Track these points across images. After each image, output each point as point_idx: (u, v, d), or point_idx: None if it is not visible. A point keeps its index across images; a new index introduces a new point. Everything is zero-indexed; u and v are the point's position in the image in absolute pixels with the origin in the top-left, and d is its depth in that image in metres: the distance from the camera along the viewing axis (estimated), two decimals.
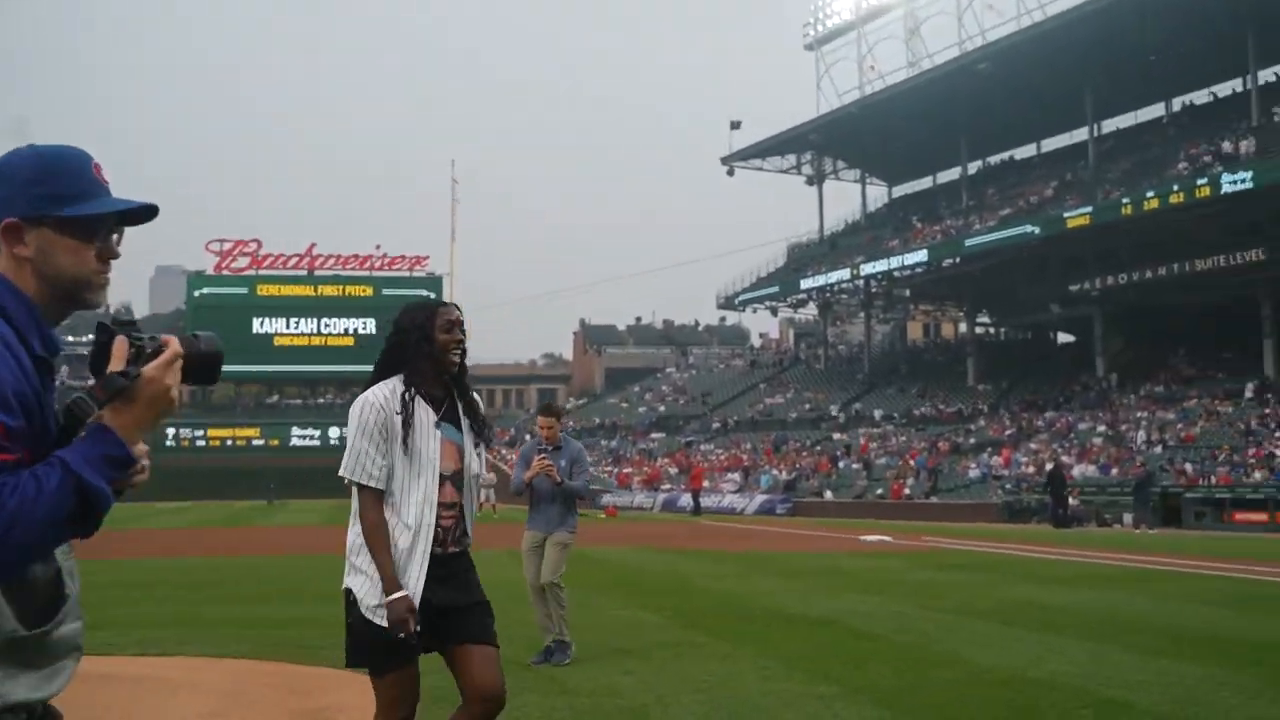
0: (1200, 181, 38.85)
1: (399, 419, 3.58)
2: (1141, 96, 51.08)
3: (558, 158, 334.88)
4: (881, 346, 67.26)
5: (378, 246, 72.80)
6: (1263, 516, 29.06)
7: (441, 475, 3.65)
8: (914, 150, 59.45)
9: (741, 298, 62.26)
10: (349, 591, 3.62)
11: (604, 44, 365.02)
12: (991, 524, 32.65)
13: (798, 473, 46.63)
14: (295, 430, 70.40)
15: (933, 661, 8.19)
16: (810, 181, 64.47)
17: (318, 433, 70.73)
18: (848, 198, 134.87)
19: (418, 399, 3.64)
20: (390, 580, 3.51)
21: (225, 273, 70.15)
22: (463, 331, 3.75)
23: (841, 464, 46.63)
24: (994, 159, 59.62)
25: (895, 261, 52.06)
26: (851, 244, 59.48)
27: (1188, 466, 33.83)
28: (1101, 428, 40.86)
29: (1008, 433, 44.15)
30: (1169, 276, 42.29)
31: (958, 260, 49.70)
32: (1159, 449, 36.56)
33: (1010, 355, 58.50)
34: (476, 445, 3.81)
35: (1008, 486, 37.29)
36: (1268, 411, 36.51)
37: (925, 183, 63.73)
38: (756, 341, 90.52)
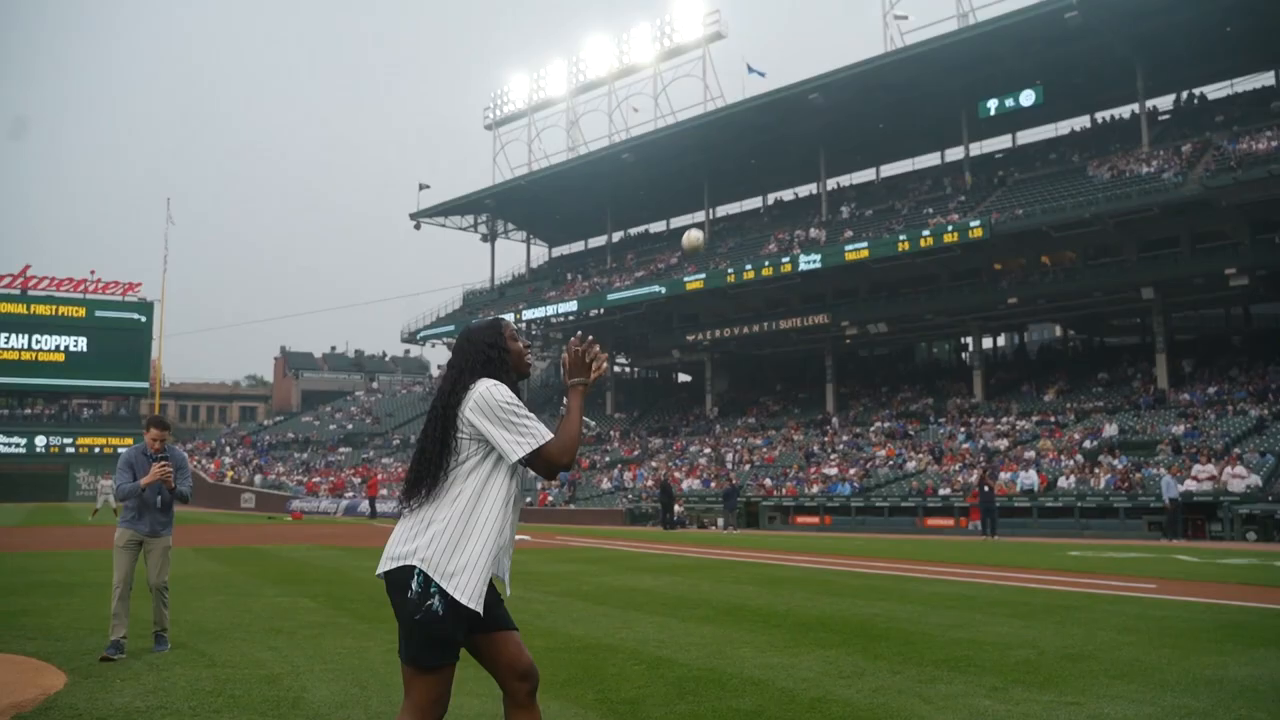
0: (784, 260, 42.00)
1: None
2: (745, 191, 54.78)
3: (270, 201, 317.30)
4: (540, 379, 68.21)
5: (92, 271, 67.93)
6: (815, 519, 31.88)
7: None
8: (571, 219, 60.90)
9: (423, 334, 61.27)
10: (425, 580, 3.13)
11: (319, 97, 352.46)
12: (616, 526, 33.75)
13: None
14: (0, 438, 62.74)
15: (534, 633, 8.39)
16: (485, 239, 64.45)
17: (24, 441, 63.60)
18: (516, 254, 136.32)
19: None
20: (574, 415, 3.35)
21: None
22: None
23: None
24: (633, 230, 61.81)
25: (552, 309, 52.83)
26: (517, 293, 59.92)
27: (767, 480, 35.97)
28: (707, 450, 42.83)
29: (635, 453, 45.72)
30: (761, 332, 45.39)
31: (602, 311, 51.25)
32: (747, 467, 38.72)
33: (641, 390, 60.46)
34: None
35: (630, 496, 38.49)
36: (826, 439, 39.84)
37: (579, 246, 65.21)
38: (435, 372, 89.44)
